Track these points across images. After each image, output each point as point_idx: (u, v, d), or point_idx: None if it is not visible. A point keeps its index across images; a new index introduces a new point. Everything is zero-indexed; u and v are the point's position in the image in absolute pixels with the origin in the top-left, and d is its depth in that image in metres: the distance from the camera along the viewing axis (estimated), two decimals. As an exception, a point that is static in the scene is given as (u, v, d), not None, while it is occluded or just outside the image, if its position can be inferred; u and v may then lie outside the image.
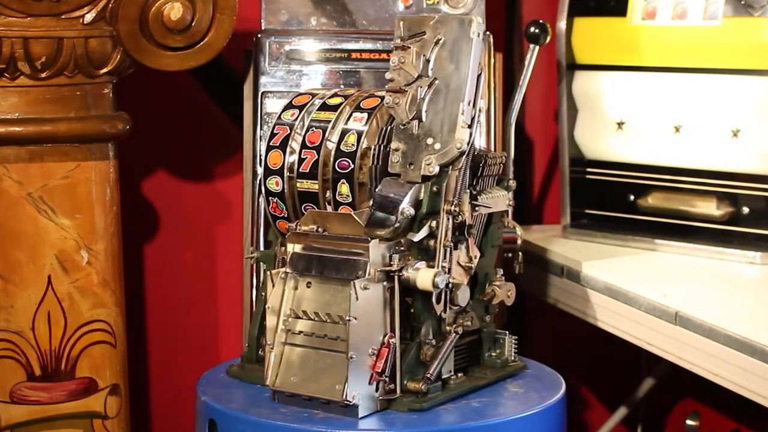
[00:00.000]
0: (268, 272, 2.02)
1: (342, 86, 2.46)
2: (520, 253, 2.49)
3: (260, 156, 2.46)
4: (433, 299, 1.96)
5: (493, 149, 2.51)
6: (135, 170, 2.73)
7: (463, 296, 1.99)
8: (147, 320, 2.82)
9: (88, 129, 2.29)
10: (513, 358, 2.15)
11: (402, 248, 1.95)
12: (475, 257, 2.01)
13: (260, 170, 2.46)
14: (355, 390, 1.90)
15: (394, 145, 1.99)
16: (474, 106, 1.98)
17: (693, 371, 2.16)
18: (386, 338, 1.93)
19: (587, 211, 2.75)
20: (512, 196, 2.13)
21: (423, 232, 1.96)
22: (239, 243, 2.56)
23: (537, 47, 2.59)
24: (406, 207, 1.96)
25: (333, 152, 2.06)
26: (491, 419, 1.95)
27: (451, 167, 1.97)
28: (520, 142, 2.89)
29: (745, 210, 2.52)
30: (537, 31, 2.58)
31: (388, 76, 2.01)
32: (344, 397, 1.89)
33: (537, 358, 2.26)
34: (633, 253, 2.59)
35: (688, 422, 2.72)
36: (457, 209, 1.96)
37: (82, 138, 2.29)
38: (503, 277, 2.11)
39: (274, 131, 2.13)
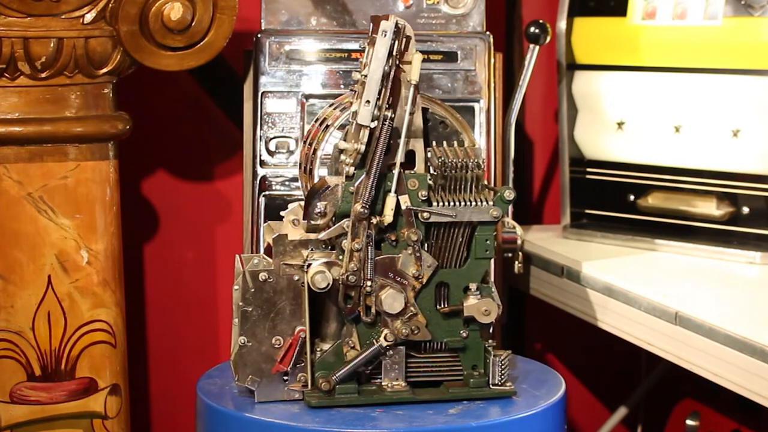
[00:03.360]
0: (237, 255, 2.08)
1: (342, 86, 2.46)
2: (520, 253, 2.49)
3: (260, 156, 2.47)
4: (339, 299, 1.97)
5: (492, 150, 2.51)
6: (135, 170, 2.73)
7: (390, 303, 1.97)
8: (147, 320, 2.82)
9: (88, 129, 2.29)
10: (499, 381, 2.02)
11: (324, 245, 1.98)
12: (429, 266, 1.98)
13: (261, 170, 2.47)
14: (252, 375, 1.98)
15: (341, 144, 2.00)
16: (379, 105, 1.94)
17: (693, 371, 2.16)
18: (297, 331, 1.98)
19: (587, 211, 2.75)
20: (498, 207, 2.01)
21: (332, 232, 1.97)
22: (239, 243, 2.56)
23: (537, 47, 2.59)
24: (318, 204, 1.97)
25: (312, 149, 2.09)
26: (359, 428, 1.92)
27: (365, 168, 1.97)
28: (520, 142, 2.89)
29: (745, 210, 2.52)
30: (537, 31, 2.58)
31: (354, 76, 2.02)
32: (236, 380, 2.00)
33: (537, 358, 2.26)
34: (633, 253, 2.59)
35: (688, 422, 2.72)
36: (365, 210, 1.95)
37: (82, 138, 2.29)
38: (481, 293, 2.01)
39: (311, 128, 2.15)
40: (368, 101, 1.94)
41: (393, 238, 1.98)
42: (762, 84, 2.46)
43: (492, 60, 2.52)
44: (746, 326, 2.04)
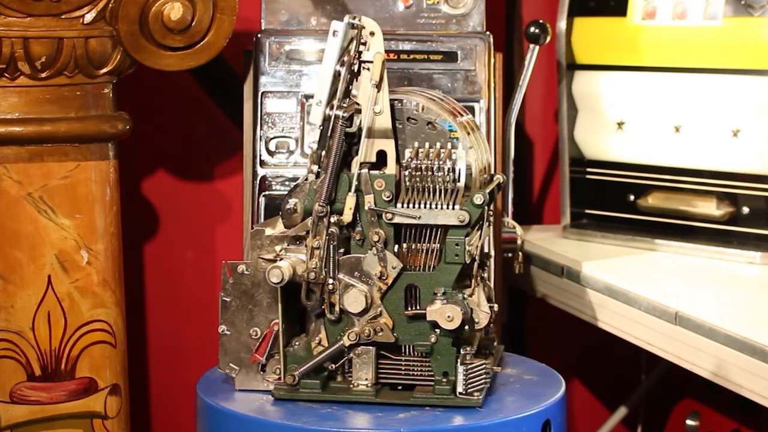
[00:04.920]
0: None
1: (342, 86, 2.46)
2: (520, 253, 2.49)
3: (260, 156, 2.47)
4: (302, 295, 1.99)
5: (492, 150, 2.51)
6: (135, 170, 2.73)
7: (351, 302, 1.97)
8: (147, 320, 2.82)
9: (88, 129, 2.29)
10: (464, 390, 1.96)
11: (298, 241, 2.00)
12: (394, 267, 1.97)
13: (261, 170, 2.47)
14: (231, 363, 2.05)
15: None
16: (329, 105, 1.95)
17: (693, 371, 2.16)
18: (272, 324, 2.02)
19: (587, 211, 2.75)
20: (467, 210, 1.95)
21: (298, 229, 2.00)
22: (239, 243, 2.56)
23: (537, 47, 2.59)
24: (290, 201, 2.00)
25: None
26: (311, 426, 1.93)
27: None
28: (520, 142, 2.89)
29: (745, 210, 2.52)
30: (537, 31, 2.58)
31: None
32: (218, 366, 2.06)
33: (537, 358, 2.26)
34: (633, 253, 2.59)
35: (688, 422, 2.72)
36: (322, 209, 1.96)
37: (82, 138, 2.29)
38: (447, 299, 1.94)
39: None
40: (319, 101, 1.96)
41: (358, 238, 1.99)
42: (762, 84, 2.46)
43: (492, 60, 2.52)
44: (746, 326, 2.04)
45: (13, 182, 2.26)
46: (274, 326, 2.03)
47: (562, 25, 2.71)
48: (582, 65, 2.72)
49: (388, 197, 1.96)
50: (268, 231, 2.02)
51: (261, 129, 2.47)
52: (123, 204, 2.39)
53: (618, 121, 2.67)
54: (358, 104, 1.97)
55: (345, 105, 1.96)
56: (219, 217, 2.82)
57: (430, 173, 1.96)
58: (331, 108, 1.95)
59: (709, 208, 2.56)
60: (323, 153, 1.97)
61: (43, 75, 2.24)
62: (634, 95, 2.64)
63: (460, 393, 1.96)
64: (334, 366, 2.01)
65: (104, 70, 2.29)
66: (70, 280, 2.30)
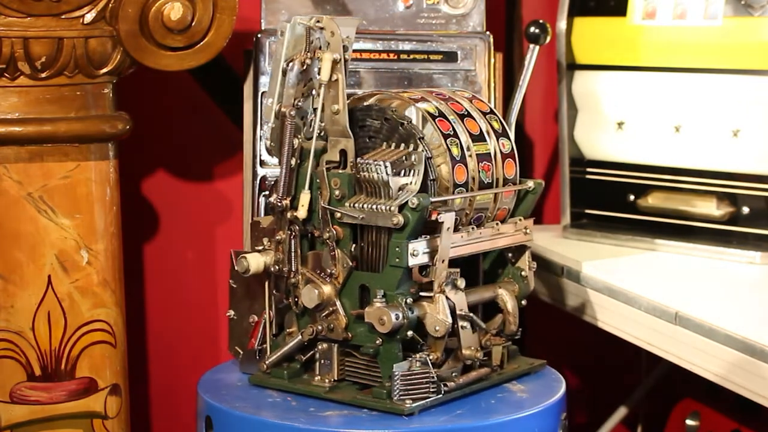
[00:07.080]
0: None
1: (342, 86, 2.46)
2: (520, 253, 2.49)
3: (260, 156, 2.47)
4: (271, 286, 2.05)
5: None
6: (135, 170, 2.73)
7: (306, 298, 1.99)
8: (147, 320, 2.82)
9: (88, 129, 2.29)
10: (396, 396, 1.92)
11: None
12: (345, 266, 1.97)
13: (261, 170, 2.47)
14: (236, 347, 2.14)
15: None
16: (279, 101, 2.00)
17: (693, 371, 2.16)
18: (263, 312, 2.09)
19: (587, 211, 2.75)
20: (404, 214, 1.92)
21: (272, 223, 2.04)
22: (239, 243, 2.56)
23: (537, 47, 2.59)
24: (271, 196, 2.04)
25: None
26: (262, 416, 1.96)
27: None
28: (520, 142, 2.88)
29: (745, 210, 2.52)
30: (537, 31, 2.58)
31: None
32: (228, 348, 2.16)
33: (537, 358, 2.26)
34: (633, 253, 2.59)
35: (688, 422, 2.72)
36: (279, 204, 2.00)
37: (82, 138, 2.29)
38: (387, 301, 1.93)
39: None
40: (270, 99, 2.00)
41: (317, 235, 2.01)
42: (762, 84, 2.46)
43: (492, 60, 2.52)
44: (746, 326, 2.04)
45: (13, 182, 2.26)
46: (264, 315, 2.08)
47: (562, 25, 2.71)
48: (582, 65, 2.72)
49: (338, 196, 1.98)
50: (263, 223, 2.07)
51: (261, 129, 2.47)
52: (123, 204, 2.39)
53: (618, 121, 2.67)
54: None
55: (299, 104, 1.99)
56: (219, 217, 2.82)
57: (375, 174, 1.95)
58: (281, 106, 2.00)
59: (709, 208, 2.56)
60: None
61: (43, 75, 2.24)
62: (634, 95, 2.64)
63: (394, 399, 1.93)
64: (303, 357, 2.04)
65: (104, 70, 2.29)
66: (70, 280, 2.30)
